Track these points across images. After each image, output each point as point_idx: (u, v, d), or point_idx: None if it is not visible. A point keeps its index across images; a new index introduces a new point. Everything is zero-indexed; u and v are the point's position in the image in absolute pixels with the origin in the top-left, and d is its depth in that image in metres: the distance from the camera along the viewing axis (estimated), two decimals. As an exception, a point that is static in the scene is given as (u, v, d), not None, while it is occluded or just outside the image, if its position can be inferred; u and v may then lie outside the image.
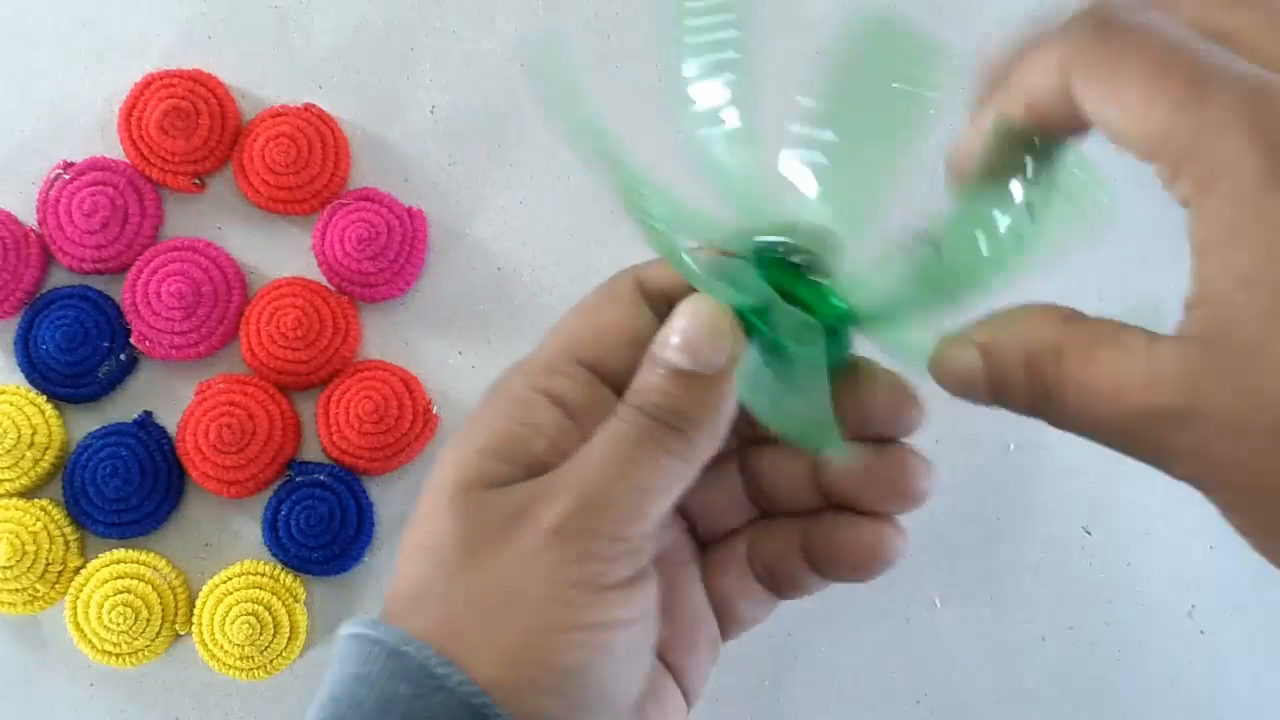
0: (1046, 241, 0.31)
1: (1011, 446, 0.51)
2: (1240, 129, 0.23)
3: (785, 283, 0.32)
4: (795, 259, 0.32)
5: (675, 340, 0.29)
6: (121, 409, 0.49)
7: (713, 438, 0.30)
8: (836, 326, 0.31)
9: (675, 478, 0.29)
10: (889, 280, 0.32)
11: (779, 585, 0.34)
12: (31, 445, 0.47)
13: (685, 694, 0.33)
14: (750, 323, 0.30)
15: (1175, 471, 0.25)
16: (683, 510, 0.34)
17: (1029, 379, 0.26)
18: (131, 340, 0.48)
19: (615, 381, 0.31)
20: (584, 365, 0.31)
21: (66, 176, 0.49)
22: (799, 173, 0.34)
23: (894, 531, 0.33)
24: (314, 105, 0.50)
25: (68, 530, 0.47)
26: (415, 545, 0.30)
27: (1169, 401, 0.24)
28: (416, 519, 0.31)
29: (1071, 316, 0.27)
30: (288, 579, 0.47)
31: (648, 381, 0.29)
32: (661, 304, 0.31)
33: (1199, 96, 0.23)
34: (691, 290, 0.30)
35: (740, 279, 0.31)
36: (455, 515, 0.29)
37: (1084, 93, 0.26)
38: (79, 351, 0.48)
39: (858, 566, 0.32)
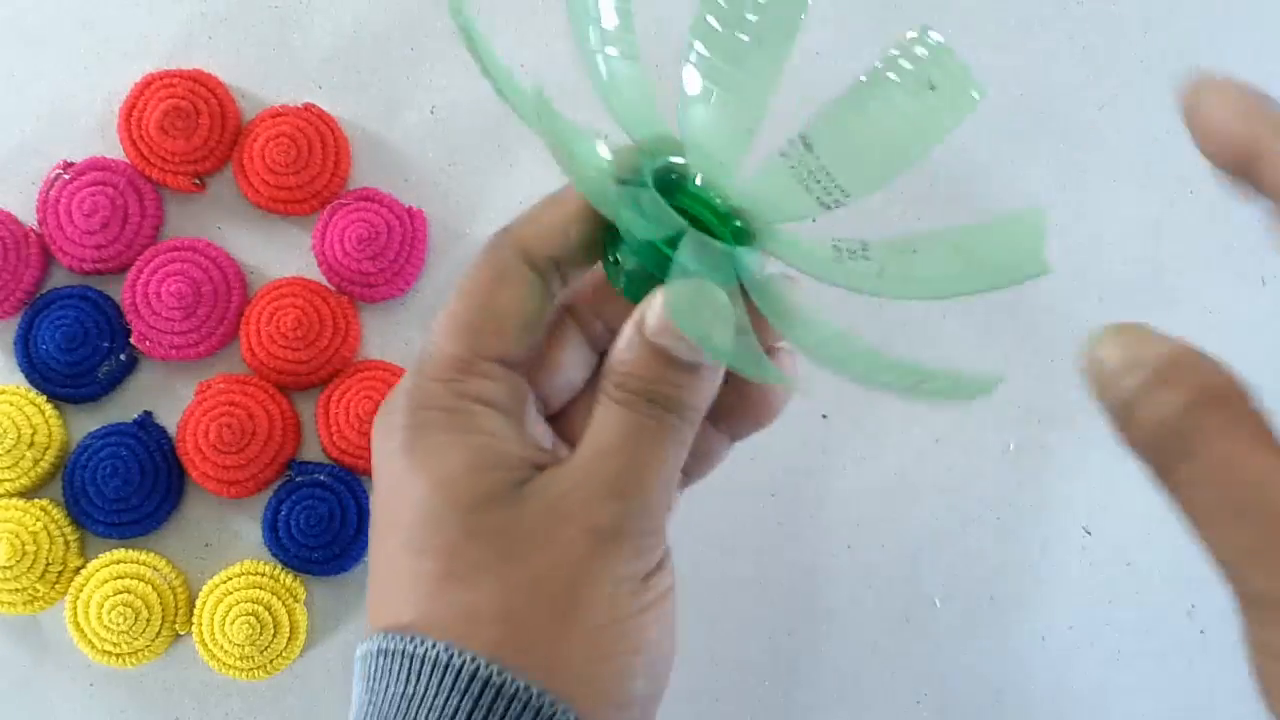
0: (925, 139, 0.32)
1: (1011, 446, 0.51)
2: None
3: (688, 206, 0.33)
4: (691, 179, 0.33)
5: (680, 344, 0.29)
6: (121, 409, 0.49)
7: (699, 424, 0.31)
8: (738, 246, 0.32)
9: (680, 462, 0.31)
10: (775, 188, 0.33)
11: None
12: (31, 445, 0.47)
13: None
14: (664, 254, 0.30)
15: None
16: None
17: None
18: (131, 340, 0.48)
19: (516, 363, 0.31)
20: (490, 359, 0.31)
21: (66, 176, 0.49)
22: (692, 83, 0.35)
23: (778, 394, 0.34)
24: (314, 105, 0.50)
25: (68, 530, 0.47)
26: (433, 564, 0.29)
27: None
28: (415, 543, 0.29)
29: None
30: (288, 579, 0.47)
31: (658, 373, 0.30)
32: (550, 271, 0.32)
33: None
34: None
35: (650, 209, 0.31)
36: (475, 532, 0.29)
37: None
38: (79, 351, 0.48)
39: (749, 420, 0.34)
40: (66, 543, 0.47)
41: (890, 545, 0.50)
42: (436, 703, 0.27)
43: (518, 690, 0.27)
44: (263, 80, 0.52)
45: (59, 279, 0.50)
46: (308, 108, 0.50)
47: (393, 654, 0.28)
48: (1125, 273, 0.51)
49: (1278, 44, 0.52)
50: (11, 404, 0.48)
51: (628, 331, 0.30)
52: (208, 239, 0.50)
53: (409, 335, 0.50)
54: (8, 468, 0.47)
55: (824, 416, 0.49)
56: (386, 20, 0.52)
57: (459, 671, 0.27)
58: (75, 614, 0.47)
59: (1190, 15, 0.53)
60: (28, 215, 0.50)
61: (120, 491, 0.47)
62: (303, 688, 0.48)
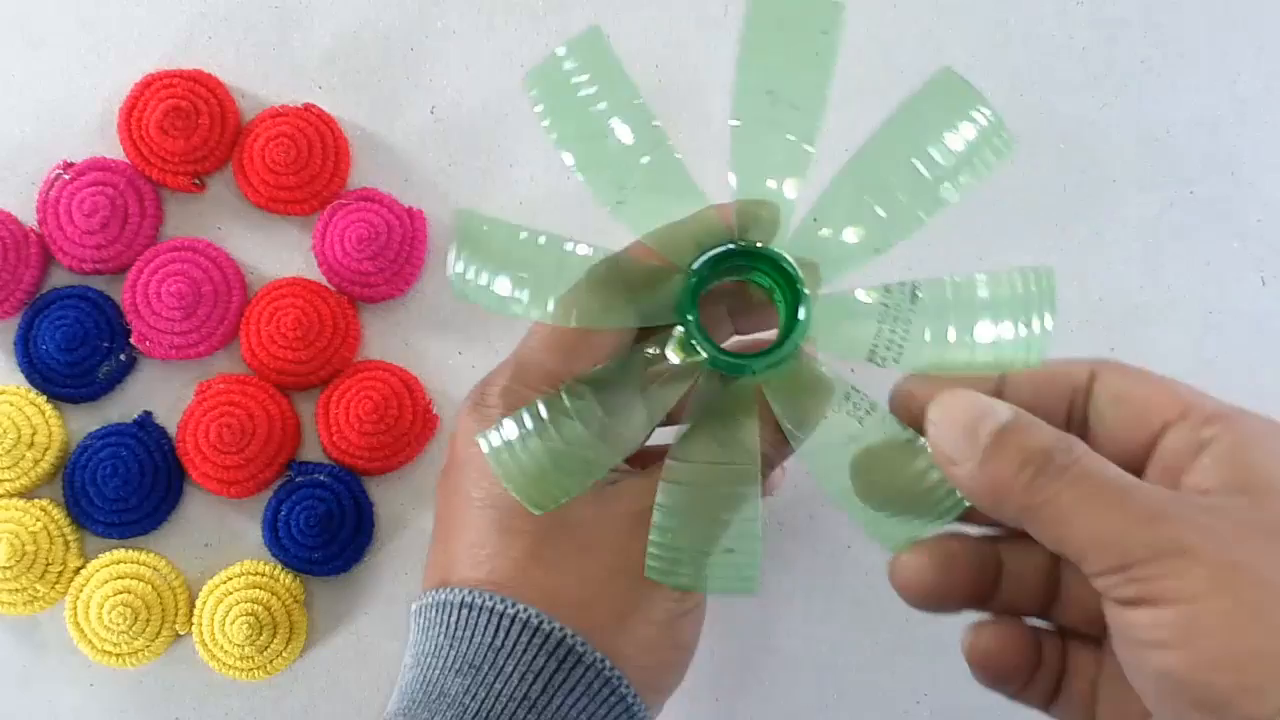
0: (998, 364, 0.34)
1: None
2: None
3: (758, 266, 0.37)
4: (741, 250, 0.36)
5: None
6: (121, 409, 0.49)
7: None
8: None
9: None
10: (848, 312, 0.36)
11: None
12: (31, 445, 0.47)
13: None
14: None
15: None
16: None
17: None
18: (131, 340, 0.48)
19: None
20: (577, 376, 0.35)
21: (66, 176, 0.49)
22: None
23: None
24: (314, 105, 0.50)
25: (68, 530, 0.47)
26: (521, 545, 0.32)
27: None
28: (507, 523, 0.33)
29: None
30: (287, 579, 0.47)
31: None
32: (643, 291, 0.36)
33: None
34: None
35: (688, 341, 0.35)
36: (562, 524, 0.32)
37: None
38: (79, 351, 0.48)
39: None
40: (66, 543, 0.47)
41: (890, 545, 0.50)
42: (525, 658, 0.30)
43: (594, 659, 0.30)
44: (263, 80, 0.51)
45: (59, 279, 0.50)
46: (308, 108, 0.50)
47: (481, 609, 0.31)
48: (1125, 273, 0.51)
49: (1278, 44, 0.52)
50: (11, 404, 0.48)
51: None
52: (208, 239, 0.50)
53: (409, 335, 0.50)
54: (8, 468, 0.47)
55: (824, 417, 0.49)
56: (386, 20, 0.52)
57: (548, 635, 0.30)
58: (75, 614, 0.47)
59: (1190, 15, 0.53)
60: (28, 215, 0.50)
61: (120, 491, 0.47)
62: (303, 688, 0.48)
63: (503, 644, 0.30)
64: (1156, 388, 0.30)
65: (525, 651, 0.30)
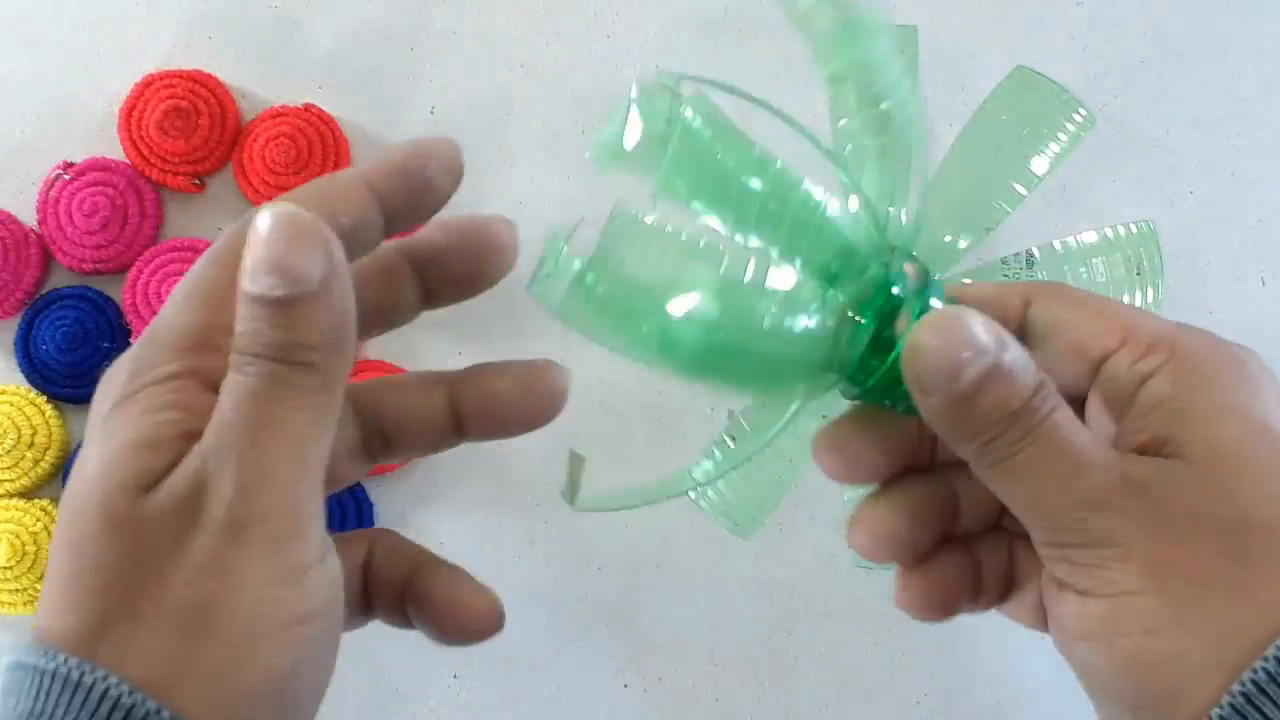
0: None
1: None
2: None
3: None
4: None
5: (261, 269, 0.24)
6: (121, 409, 0.49)
7: (344, 355, 0.26)
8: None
9: (322, 414, 0.26)
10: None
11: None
12: (31, 445, 0.47)
13: None
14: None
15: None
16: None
17: None
18: (131, 340, 0.48)
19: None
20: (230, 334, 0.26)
21: (66, 176, 0.49)
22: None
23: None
24: (314, 105, 0.50)
25: (68, 530, 0.47)
26: (74, 567, 0.25)
27: None
28: (66, 533, 0.25)
29: None
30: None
31: (252, 322, 0.25)
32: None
33: None
34: None
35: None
36: (112, 532, 0.24)
37: None
38: (79, 352, 0.48)
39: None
40: (66, 543, 0.47)
41: (890, 545, 0.50)
42: (23, 706, 0.24)
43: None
44: (263, 80, 0.51)
45: (59, 279, 0.50)
46: (308, 108, 0.50)
47: (24, 668, 0.24)
48: (1125, 273, 0.51)
49: (1278, 44, 0.52)
50: (11, 404, 0.48)
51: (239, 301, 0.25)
52: (208, 239, 0.50)
53: (409, 335, 0.50)
54: (8, 468, 0.47)
55: (824, 417, 0.49)
56: (386, 20, 0.52)
57: (89, 690, 0.23)
58: (75, 614, 0.47)
59: (1190, 15, 0.53)
60: (28, 215, 0.50)
61: (120, 491, 0.47)
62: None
63: (41, 709, 0.24)
64: (1093, 313, 0.28)
65: (67, 715, 0.24)
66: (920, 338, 0.26)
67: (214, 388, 0.25)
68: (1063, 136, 0.47)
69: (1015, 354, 0.26)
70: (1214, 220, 0.51)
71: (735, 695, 0.49)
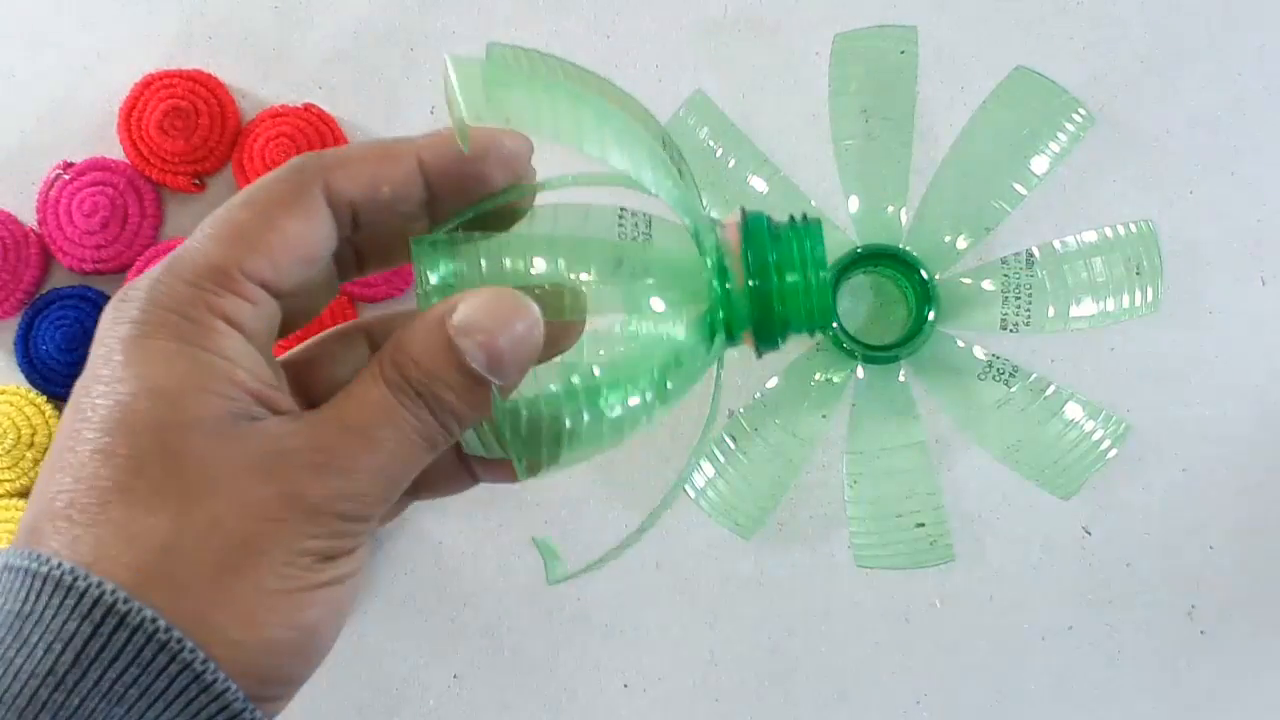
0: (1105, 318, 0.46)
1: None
2: None
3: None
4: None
5: (480, 344, 0.27)
6: (121, 409, 0.49)
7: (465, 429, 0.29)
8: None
9: (421, 467, 0.28)
10: (973, 288, 0.47)
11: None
12: (31, 445, 0.47)
13: None
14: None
15: None
16: None
17: None
18: (131, 340, 0.48)
19: (277, 295, 0.28)
20: (254, 280, 0.28)
21: (66, 176, 0.49)
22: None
23: None
24: (314, 105, 0.50)
25: (68, 530, 0.47)
26: (112, 473, 0.26)
27: None
28: (103, 446, 0.26)
29: None
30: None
31: (443, 371, 0.27)
32: (347, 214, 0.29)
33: None
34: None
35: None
36: (170, 453, 0.26)
37: None
38: (79, 352, 0.48)
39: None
40: (66, 543, 0.47)
41: (890, 545, 0.50)
42: (54, 624, 0.25)
43: (142, 620, 0.25)
44: (263, 80, 0.51)
45: (59, 279, 0.50)
46: (308, 108, 0.50)
47: (14, 570, 0.26)
48: (1125, 273, 0.51)
49: (1278, 44, 0.52)
50: (11, 404, 0.48)
51: (429, 320, 0.28)
52: (208, 239, 0.50)
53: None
54: (8, 468, 0.47)
55: (823, 416, 0.49)
56: (386, 20, 0.52)
57: (81, 593, 0.25)
58: (75, 614, 0.47)
59: (1190, 15, 0.53)
60: (28, 215, 0.50)
61: (120, 491, 0.47)
62: (304, 687, 0.48)
63: (31, 609, 0.25)
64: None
65: (55, 616, 0.25)
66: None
67: (240, 329, 0.27)
68: (1062, 136, 0.48)
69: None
70: (1214, 220, 0.51)
71: (735, 695, 0.49)
